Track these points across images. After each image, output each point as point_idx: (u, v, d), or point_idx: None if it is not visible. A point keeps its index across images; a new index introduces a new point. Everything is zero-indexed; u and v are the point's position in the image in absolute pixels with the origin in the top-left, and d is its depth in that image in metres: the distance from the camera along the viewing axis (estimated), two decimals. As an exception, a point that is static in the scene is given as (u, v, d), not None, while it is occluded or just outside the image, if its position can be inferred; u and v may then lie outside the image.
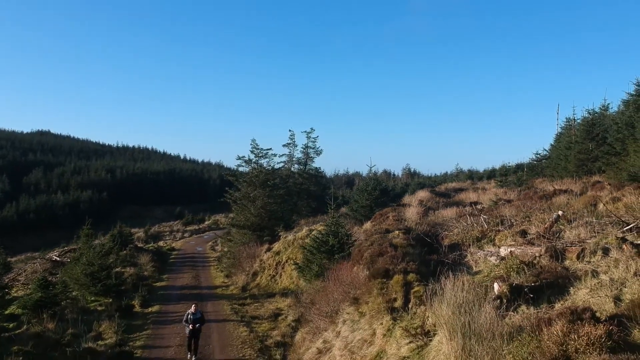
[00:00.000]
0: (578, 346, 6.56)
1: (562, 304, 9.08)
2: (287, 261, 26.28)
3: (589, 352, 6.38)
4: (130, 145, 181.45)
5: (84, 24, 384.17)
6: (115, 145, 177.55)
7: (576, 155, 27.69)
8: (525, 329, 7.90)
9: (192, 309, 15.69)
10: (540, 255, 11.75)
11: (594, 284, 9.31)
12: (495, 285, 10.32)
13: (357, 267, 14.29)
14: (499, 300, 9.78)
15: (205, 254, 43.68)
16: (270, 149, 33.80)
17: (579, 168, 26.91)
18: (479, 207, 22.65)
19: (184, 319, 15.56)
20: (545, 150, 37.22)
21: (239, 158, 32.64)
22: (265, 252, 28.56)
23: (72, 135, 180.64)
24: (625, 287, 8.76)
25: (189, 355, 15.36)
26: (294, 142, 39.71)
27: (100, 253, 23.98)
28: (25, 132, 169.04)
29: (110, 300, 22.19)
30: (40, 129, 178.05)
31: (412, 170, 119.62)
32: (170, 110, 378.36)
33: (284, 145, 39.56)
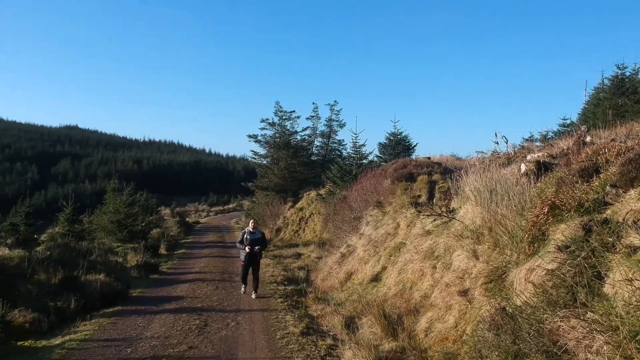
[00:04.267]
0: (608, 157, 6.41)
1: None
2: (310, 216, 26.25)
3: (619, 160, 6.20)
4: (157, 139, 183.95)
5: (113, 19, 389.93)
6: (142, 139, 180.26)
7: (604, 111, 27.02)
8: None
9: (250, 226, 12.08)
10: (568, 147, 11.53)
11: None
12: (522, 166, 10.13)
13: (382, 179, 14.23)
14: (525, 177, 9.63)
15: (229, 226, 44.00)
16: (294, 111, 33.69)
17: (608, 123, 26.25)
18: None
19: (239, 239, 12.07)
20: (572, 120, 36.47)
21: (263, 120, 32.64)
22: (289, 209, 28.61)
23: (99, 130, 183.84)
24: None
25: (243, 288, 12.30)
26: (317, 115, 39.52)
27: (127, 202, 24.27)
28: (53, 126, 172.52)
29: (136, 245, 22.43)
30: (68, 124, 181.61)
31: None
32: (196, 106, 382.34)
33: (307, 118, 39.46)
